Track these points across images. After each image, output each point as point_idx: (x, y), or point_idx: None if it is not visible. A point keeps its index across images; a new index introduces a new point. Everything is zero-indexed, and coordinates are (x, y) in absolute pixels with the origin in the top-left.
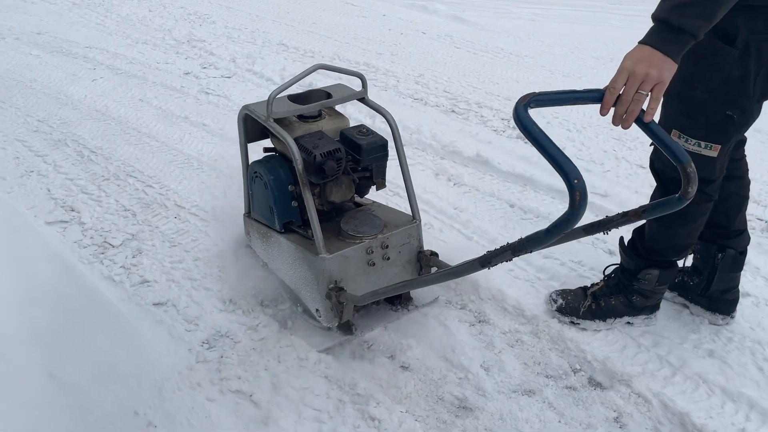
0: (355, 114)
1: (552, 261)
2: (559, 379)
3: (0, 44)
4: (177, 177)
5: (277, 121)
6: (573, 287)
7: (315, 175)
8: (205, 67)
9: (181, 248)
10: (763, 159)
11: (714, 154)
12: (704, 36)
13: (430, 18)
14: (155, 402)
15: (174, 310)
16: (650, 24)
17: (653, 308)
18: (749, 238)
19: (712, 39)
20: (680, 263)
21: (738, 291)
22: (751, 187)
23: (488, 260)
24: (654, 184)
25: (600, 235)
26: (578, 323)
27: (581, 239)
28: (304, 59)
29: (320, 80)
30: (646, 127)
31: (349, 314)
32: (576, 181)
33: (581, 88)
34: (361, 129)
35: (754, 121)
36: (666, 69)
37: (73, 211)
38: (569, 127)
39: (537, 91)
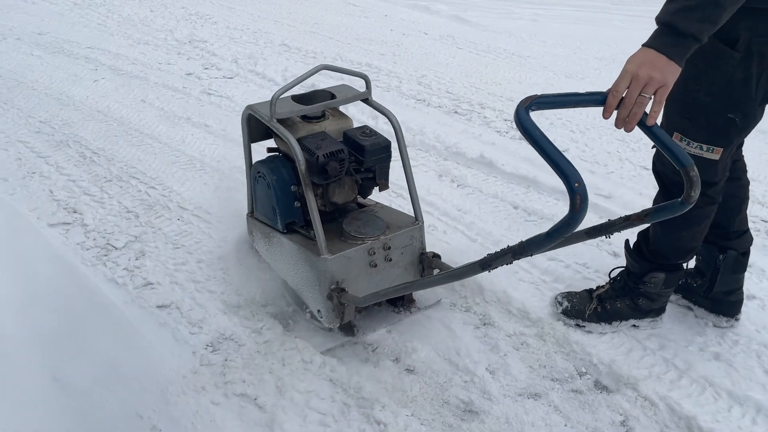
0: (357, 115)
1: (557, 263)
2: (564, 383)
3: (1, 45)
4: (180, 178)
5: (281, 121)
6: (578, 290)
7: (318, 175)
8: (207, 68)
9: (185, 250)
10: None
11: (716, 157)
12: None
13: (432, 18)
14: (159, 406)
15: (178, 312)
16: (652, 24)
17: (659, 311)
18: (752, 239)
19: (714, 42)
20: (685, 265)
21: (742, 293)
22: (756, 188)
23: (488, 263)
24: (657, 186)
25: (605, 237)
26: (584, 326)
27: (585, 241)
28: (306, 60)
29: (323, 81)
30: (649, 131)
31: (350, 315)
32: (577, 184)
33: (584, 91)
34: (365, 130)
35: (756, 124)
36: (669, 72)
37: (75, 212)
38: (572, 128)
39: (539, 93)
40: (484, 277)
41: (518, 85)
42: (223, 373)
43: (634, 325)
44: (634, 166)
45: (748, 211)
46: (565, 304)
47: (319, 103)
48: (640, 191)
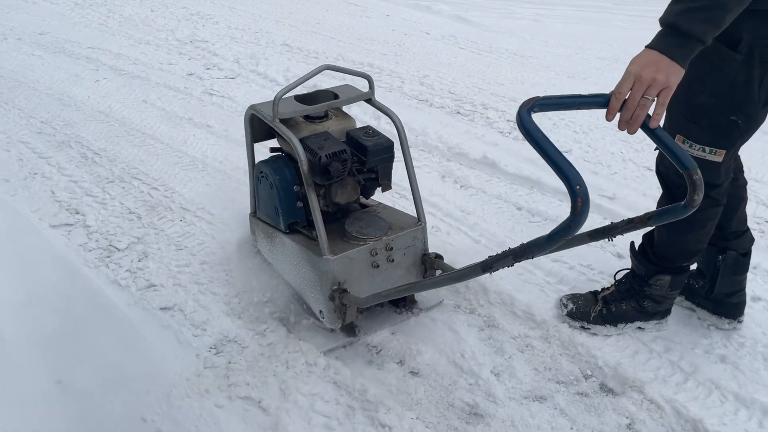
0: (360, 115)
1: (561, 265)
2: (570, 385)
3: (2, 45)
4: (182, 179)
5: (284, 121)
6: (583, 291)
7: (320, 176)
8: (208, 68)
9: (188, 251)
10: None
11: (719, 159)
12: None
13: (433, 18)
14: (163, 409)
15: (181, 314)
16: (654, 24)
17: (664, 313)
18: (752, 240)
19: (715, 44)
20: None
21: (744, 294)
22: (761, 190)
23: (490, 265)
24: (661, 188)
25: (607, 239)
26: (589, 328)
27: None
28: (308, 60)
29: (326, 81)
30: (652, 133)
31: (352, 316)
32: (578, 186)
33: (586, 93)
34: (367, 130)
35: (759, 126)
36: (673, 74)
37: (77, 213)
38: (576, 129)
39: (542, 93)
40: (488, 278)
41: (521, 86)
42: (227, 375)
43: (640, 328)
44: (638, 167)
45: (752, 212)
46: (570, 306)
47: (322, 103)
48: (644, 192)
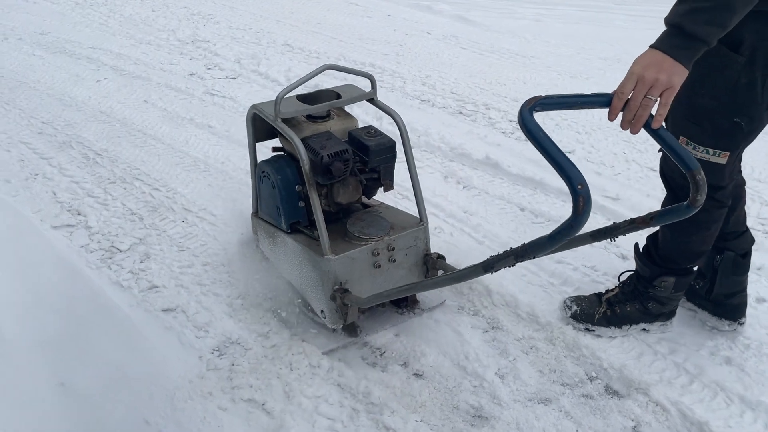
0: (362, 115)
1: (565, 266)
2: (575, 387)
3: (3, 45)
4: (184, 180)
5: (286, 121)
6: (587, 293)
7: (322, 175)
8: (209, 68)
9: (190, 252)
10: None
11: (723, 161)
12: None
13: (434, 18)
14: (167, 411)
15: (183, 316)
16: (655, 24)
17: (669, 315)
18: (752, 241)
19: (717, 45)
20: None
21: (745, 295)
22: (763, 190)
23: (491, 265)
24: (664, 189)
25: (610, 240)
26: (593, 330)
27: (593, 244)
28: (310, 60)
29: (328, 81)
30: (655, 133)
31: (353, 316)
32: (580, 186)
33: (589, 92)
34: (370, 130)
35: (763, 127)
36: (676, 75)
37: (79, 214)
38: (578, 129)
39: (543, 93)
40: (491, 280)
41: (523, 86)
42: (230, 377)
43: (644, 329)
44: (641, 168)
45: (755, 213)
46: (574, 308)
47: (324, 102)
48: (647, 193)
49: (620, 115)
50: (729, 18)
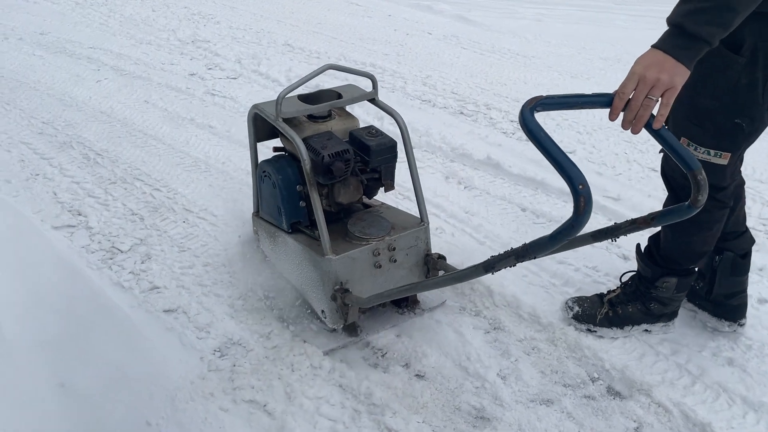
0: (363, 116)
1: (566, 266)
2: (577, 388)
3: (3, 45)
4: (184, 180)
5: (287, 120)
6: (588, 293)
7: (323, 175)
8: (210, 68)
9: (191, 253)
10: None
11: (724, 162)
12: None
13: (435, 18)
14: (168, 412)
15: (185, 317)
16: (655, 24)
17: (671, 315)
18: (752, 241)
19: (719, 46)
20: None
21: (745, 296)
22: (765, 190)
23: (492, 265)
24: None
25: (611, 240)
26: (595, 331)
27: (594, 244)
28: (310, 60)
29: (329, 81)
30: (656, 133)
31: (354, 316)
32: (581, 186)
33: (590, 92)
34: (371, 130)
35: (764, 128)
36: (678, 75)
37: (80, 215)
38: (579, 130)
39: (544, 93)
40: (493, 280)
41: (523, 86)
42: (232, 378)
43: (646, 330)
44: (643, 168)
45: (757, 214)
46: (576, 308)
47: (325, 102)
48: (649, 193)
49: (621, 115)
50: (731, 19)
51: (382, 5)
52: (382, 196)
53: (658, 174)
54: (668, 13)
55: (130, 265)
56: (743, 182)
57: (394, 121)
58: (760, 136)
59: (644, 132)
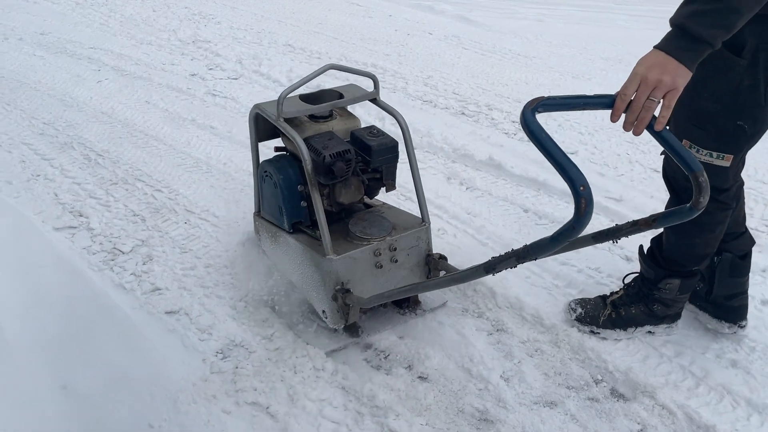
0: (364, 116)
1: (569, 268)
2: (580, 390)
3: (4, 45)
4: (186, 181)
5: (288, 120)
6: (591, 295)
7: (324, 175)
8: (211, 69)
9: (192, 254)
10: None
11: (726, 164)
12: None
13: (436, 18)
14: (170, 415)
15: (187, 318)
16: (656, 24)
17: (674, 317)
18: (752, 242)
19: (720, 48)
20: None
21: (745, 298)
22: (766, 191)
23: (493, 266)
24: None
25: (612, 242)
26: (598, 332)
27: (596, 245)
28: (311, 60)
29: (330, 81)
30: (658, 135)
31: (355, 316)
32: (582, 187)
33: (591, 93)
34: (372, 130)
35: (766, 130)
36: (680, 76)
37: (81, 216)
38: (581, 130)
39: (546, 94)
40: (496, 282)
41: (525, 86)
42: (234, 380)
43: (650, 332)
44: (645, 169)
45: (759, 215)
46: (579, 310)
47: (326, 102)
48: (651, 194)
49: (623, 116)
50: (734, 21)
51: (383, 5)
52: (383, 196)
53: (660, 175)
54: (669, 13)
55: (131, 267)
56: (743, 183)
57: (395, 122)
58: (762, 138)
59: (646, 133)
